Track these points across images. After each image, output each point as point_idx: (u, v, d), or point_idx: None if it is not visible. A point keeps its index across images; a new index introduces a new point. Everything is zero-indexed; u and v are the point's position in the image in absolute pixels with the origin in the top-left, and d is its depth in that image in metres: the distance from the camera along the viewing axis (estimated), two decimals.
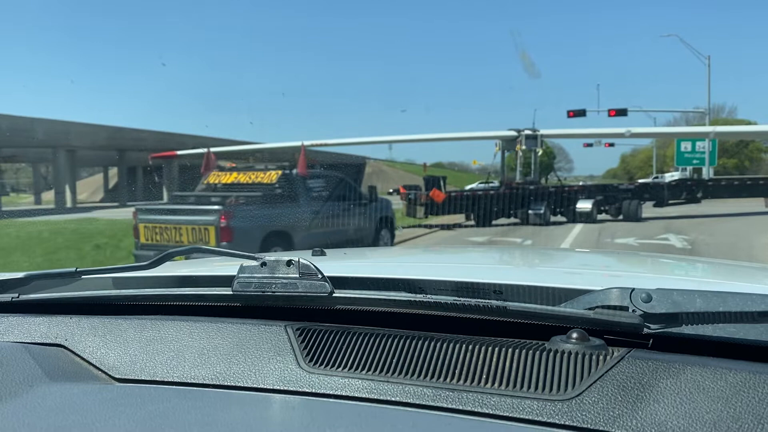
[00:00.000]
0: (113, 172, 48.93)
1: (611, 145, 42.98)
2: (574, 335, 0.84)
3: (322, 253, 1.66)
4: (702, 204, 21.57)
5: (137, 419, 0.74)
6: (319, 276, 0.96)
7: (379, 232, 11.00)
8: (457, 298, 0.91)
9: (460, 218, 18.29)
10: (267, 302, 0.99)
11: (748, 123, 39.37)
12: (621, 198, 19.47)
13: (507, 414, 0.74)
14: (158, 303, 1.09)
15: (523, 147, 21.25)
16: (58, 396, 0.82)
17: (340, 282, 0.99)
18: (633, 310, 0.84)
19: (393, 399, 0.80)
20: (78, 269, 1.13)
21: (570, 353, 0.81)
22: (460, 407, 0.77)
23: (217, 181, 9.87)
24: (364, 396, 0.81)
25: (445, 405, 0.77)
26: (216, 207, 8.22)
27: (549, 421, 0.73)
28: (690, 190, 21.50)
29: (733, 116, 49.53)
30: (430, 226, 17.04)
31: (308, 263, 0.97)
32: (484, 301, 0.90)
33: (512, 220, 18.14)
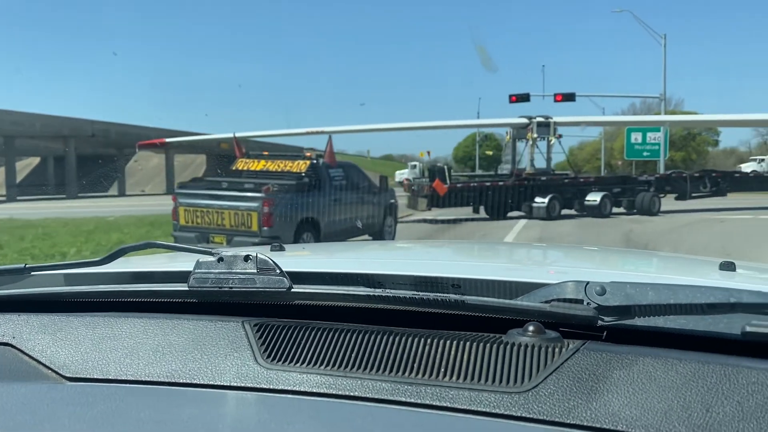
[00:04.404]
0: (25, 162, 46.16)
1: (560, 136, 42.79)
2: (531, 328, 0.88)
3: (281, 248, 1.70)
4: (727, 197, 21.47)
5: (88, 419, 0.77)
6: (278, 271, 0.99)
7: (386, 219, 11.80)
8: (415, 293, 0.95)
9: (467, 211, 18.28)
10: (224, 298, 1.02)
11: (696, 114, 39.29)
12: (638, 191, 19.35)
13: (465, 407, 0.79)
14: (111, 300, 1.11)
15: (535, 135, 21.24)
16: (5, 396, 0.84)
17: (299, 277, 1.02)
18: (588, 303, 0.89)
19: (351, 394, 0.83)
20: (27, 265, 1.15)
21: (526, 346, 0.85)
22: (419, 401, 0.80)
23: (245, 168, 10.53)
24: (322, 391, 0.84)
25: (403, 399, 0.81)
26: (259, 194, 8.88)
27: (506, 413, 0.77)
28: (715, 182, 21.37)
29: (680, 108, 49.11)
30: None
31: (266, 258, 1.00)
32: (442, 295, 0.94)
33: (522, 212, 18.15)
